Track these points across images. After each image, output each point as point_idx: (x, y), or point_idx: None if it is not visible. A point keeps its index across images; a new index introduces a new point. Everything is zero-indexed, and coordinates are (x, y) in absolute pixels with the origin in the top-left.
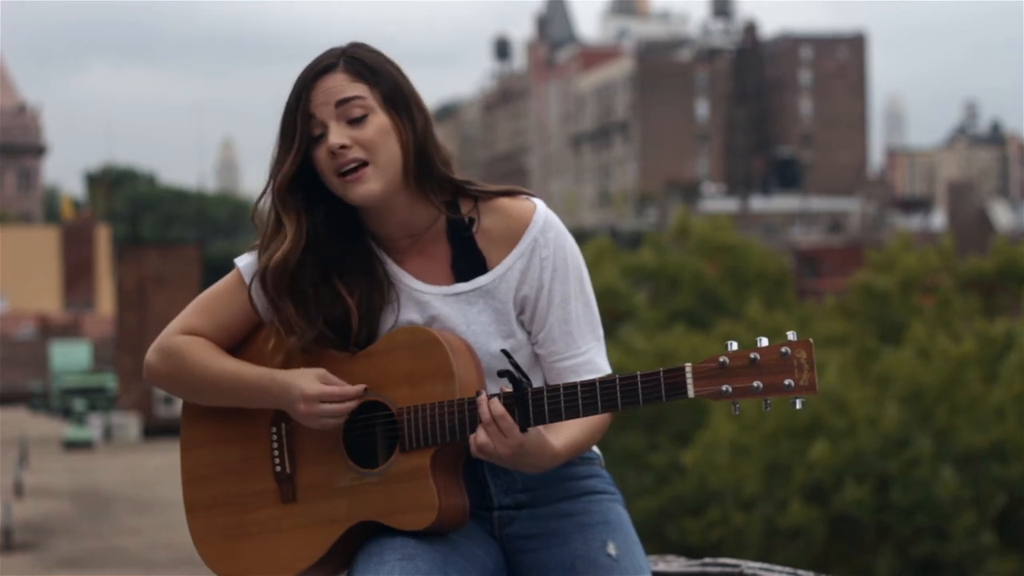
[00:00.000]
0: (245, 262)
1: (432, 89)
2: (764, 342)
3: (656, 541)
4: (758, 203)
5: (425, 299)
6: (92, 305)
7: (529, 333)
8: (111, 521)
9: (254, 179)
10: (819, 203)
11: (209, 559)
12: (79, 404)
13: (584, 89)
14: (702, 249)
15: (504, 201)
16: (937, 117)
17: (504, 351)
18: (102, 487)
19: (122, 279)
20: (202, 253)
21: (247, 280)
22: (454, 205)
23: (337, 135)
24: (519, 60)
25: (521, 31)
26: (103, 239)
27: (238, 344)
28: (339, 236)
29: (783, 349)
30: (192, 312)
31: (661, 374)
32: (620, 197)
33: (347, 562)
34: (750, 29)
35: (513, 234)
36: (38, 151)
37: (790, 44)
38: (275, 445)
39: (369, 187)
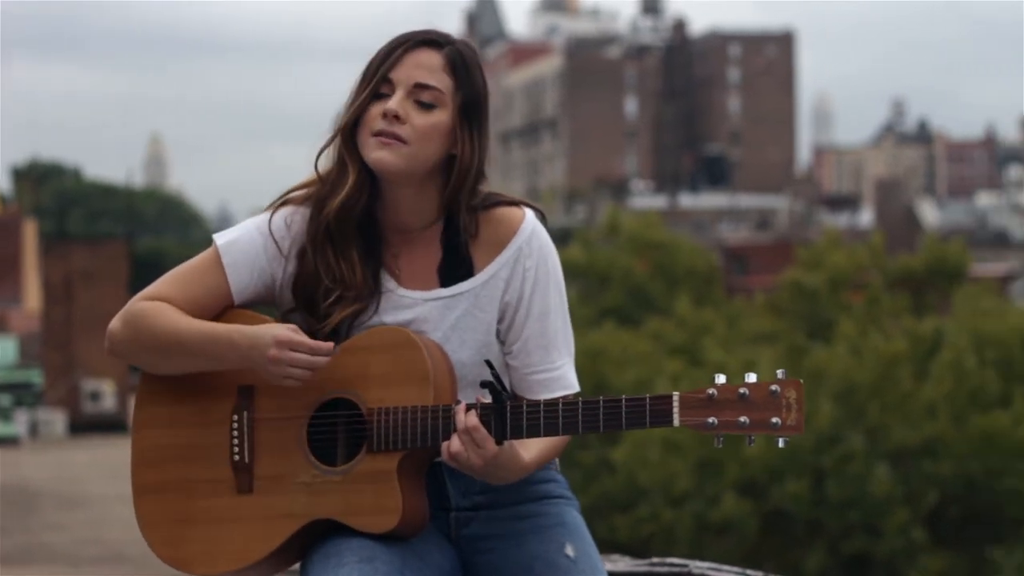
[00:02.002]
0: (225, 239)
1: None
2: (752, 378)
3: None
4: (687, 200)
5: (405, 301)
6: (18, 300)
7: (502, 343)
8: (37, 517)
9: (182, 174)
10: (747, 200)
11: (154, 543)
12: (5, 400)
13: (513, 85)
14: (631, 246)
15: (500, 209)
16: (865, 115)
17: (487, 362)
18: (29, 483)
19: (48, 274)
20: (130, 248)
21: (224, 259)
22: (455, 210)
23: (399, 104)
24: None
25: (450, 27)
26: (30, 234)
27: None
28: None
29: (773, 387)
30: (164, 282)
31: (647, 400)
32: (548, 194)
33: (296, 558)
34: (679, 26)
35: (500, 240)
36: None
37: (719, 42)
38: (235, 433)
39: (392, 159)
